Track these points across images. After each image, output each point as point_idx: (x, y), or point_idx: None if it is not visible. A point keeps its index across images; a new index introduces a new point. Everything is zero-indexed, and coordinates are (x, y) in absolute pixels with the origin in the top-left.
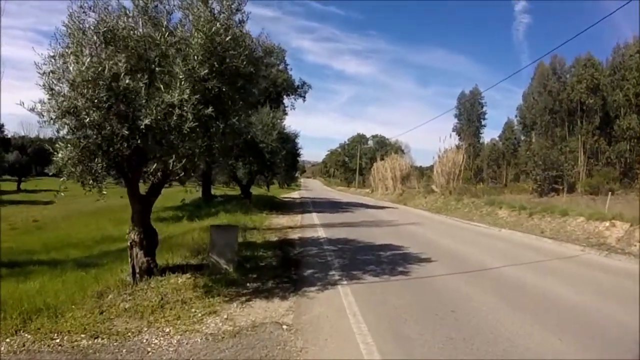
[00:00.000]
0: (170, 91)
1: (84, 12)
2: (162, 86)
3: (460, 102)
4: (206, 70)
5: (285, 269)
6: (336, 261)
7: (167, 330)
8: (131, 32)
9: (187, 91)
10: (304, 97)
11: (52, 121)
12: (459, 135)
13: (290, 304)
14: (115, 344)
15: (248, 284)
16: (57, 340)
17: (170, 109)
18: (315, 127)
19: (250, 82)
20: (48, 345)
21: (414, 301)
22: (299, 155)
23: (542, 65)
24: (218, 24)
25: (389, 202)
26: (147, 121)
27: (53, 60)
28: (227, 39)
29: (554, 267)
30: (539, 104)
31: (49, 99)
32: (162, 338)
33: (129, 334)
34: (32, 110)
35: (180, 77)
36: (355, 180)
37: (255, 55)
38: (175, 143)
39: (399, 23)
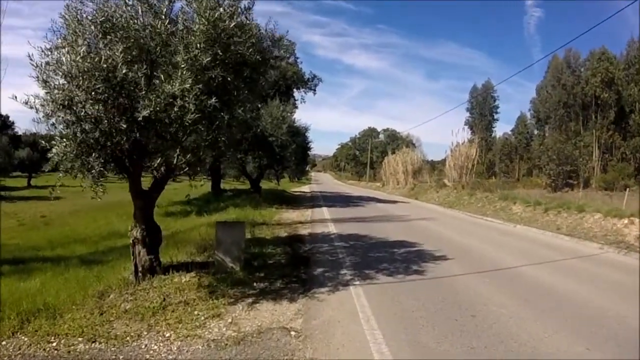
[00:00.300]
0: (172, 81)
1: (80, 1)
2: (162, 76)
3: (473, 96)
4: (209, 58)
5: (295, 268)
6: (348, 259)
7: (168, 335)
8: (130, 21)
9: (189, 80)
10: (315, 90)
11: (47, 116)
12: (471, 129)
13: (299, 307)
14: (112, 349)
15: (255, 284)
16: (54, 344)
17: (171, 100)
18: (326, 121)
19: (257, 72)
20: (44, 350)
21: (430, 304)
22: (309, 148)
23: (556, 58)
24: (222, 9)
25: (401, 197)
26: (145, 113)
27: (49, 53)
28: (232, 25)
29: (574, 266)
30: (553, 98)
31: (46, 93)
32: (161, 344)
33: (128, 338)
34: (25, 103)
35: (182, 66)
36: (366, 174)
37: (263, 44)
38: (178, 136)
39: (409, 17)
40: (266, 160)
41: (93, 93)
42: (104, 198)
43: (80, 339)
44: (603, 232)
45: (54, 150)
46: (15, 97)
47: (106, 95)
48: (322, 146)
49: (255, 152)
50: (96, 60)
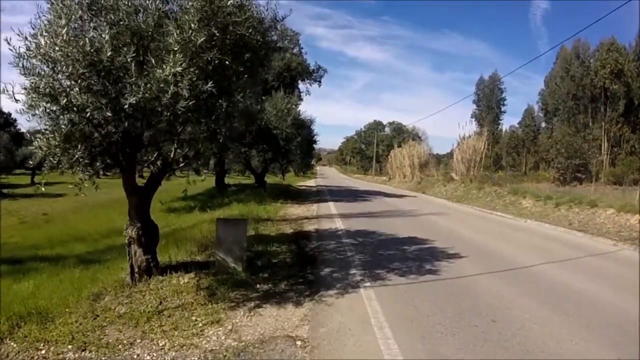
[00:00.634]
0: (163, 65)
1: None
2: (153, 60)
3: (480, 88)
4: (203, 38)
5: (301, 267)
6: (357, 257)
7: (162, 343)
8: (120, 2)
9: (183, 64)
10: (320, 81)
11: (31, 107)
12: (477, 122)
13: (305, 312)
14: (103, 358)
15: (258, 286)
16: (43, 352)
17: (162, 86)
18: (331, 114)
19: (258, 55)
20: (32, 357)
21: (448, 308)
22: (314, 142)
23: (565, 49)
24: None
25: (408, 191)
26: (132, 100)
27: (30, 39)
28: (229, 2)
29: (592, 265)
30: (562, 90)
31: (31, 83)
32: (155, 354)
33: (120, 346)
34: (4, 92)
35: (175, 48)
36: (372, 168)
37: (264, 25)
38: (173, 126)
39: (413, 8)
40: (271, 153)
41: (79, 80)
42: (106, 195)
43: (70, 346)
44: (616, 228)
45: (35, 143)
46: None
47: (91, 81)
48: (327, 140)
49: (259, 145)
50: (81, 44)
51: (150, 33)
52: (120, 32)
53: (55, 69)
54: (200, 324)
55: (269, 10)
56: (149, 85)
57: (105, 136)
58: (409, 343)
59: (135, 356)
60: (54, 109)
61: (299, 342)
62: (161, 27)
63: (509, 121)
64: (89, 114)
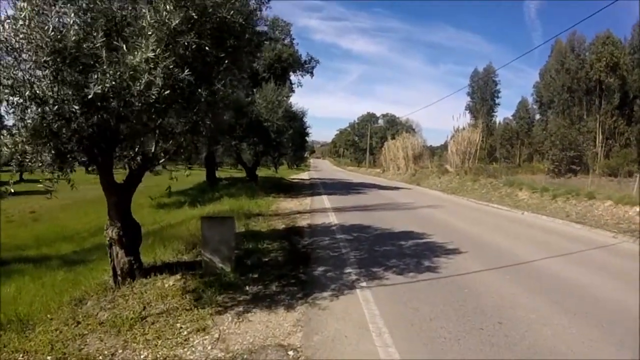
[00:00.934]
0: (135, 51)
1: None
2: (124, 46)
3: (474, 80)
4: (178, 20)
5: (293, 266)
6: (352, 254)
7: (144, 355)
8: None
9: (155, 49)
10: (312, 72)
11: None
12: (472, 114)
13: (298, 316)
14: None
15: (247, 288)
16: None
17: (132, 74)
18: (324, 107)
19: (242, 40)
20: None
21: (450, 309)
22: (307, 134)
23: (560, 42)
24: None
25: (402, 183)
26: (97, 89)
27: None
28: None
29: (594, 258)
30: (557, 82)
31: None
32: None
33: (100, 357)
34: None
35: (149, 33)
36: (366, 160)
37: (248, 7)
38: (150, 118)
39: (407, 1)
40: (262, 146)
41: (43, 69)
42: (96, 191)
43: (49, 357)
44: (615, 220)
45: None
46: None
47: (55, 69)
48: (320, 133)
49: (250, 138)
50: (45, 28)
51: (122, 16)
52: (93, 17)
53: (18, 57)
54: (185, 332)
55: None
56: (118, 74)
57: (76, 131)
58: (411, 350)
59: None
60: (18, 101)
61: (291, 352)
62: (135, 9)
63: (503, 114)
64: (57, 106)
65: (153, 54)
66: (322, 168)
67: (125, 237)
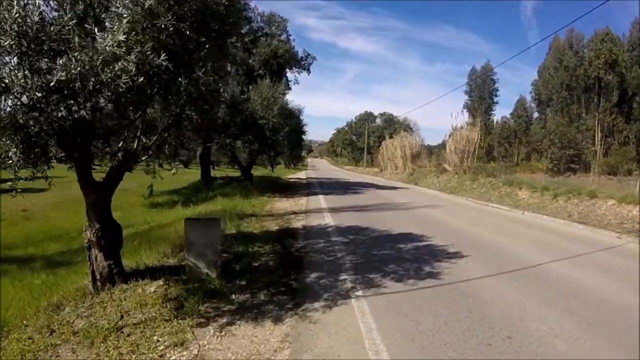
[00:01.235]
0: (107, 35)
1: None
2: (96, 29)
3: (472, 79)
4: (152, 1)
5: (284, 272)
6: (347, 259)
7: None
8: None
9: (127, 31)
10: (309, 69)
11: None
12: (470, 113)
13: (286, 330)
14: None
15: (233, 296)
16: None
17: (101, 58)
18: (322, 106)
19: (226, 24)
20: None
21: (454, 321)
22: (303, 132)
23: (558, 40)
24: None
25: (400, 182)
26: (61, 75)
27: None
28: None
29: (601, 261)
30: (555, 80)
31: None
32: None
33: None
34: None
35: (125, 15)
36: (364, 159)
37: None
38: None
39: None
40: (257, 144)
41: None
42: None
43: None
44: (618, 220)
45: None
46: None
47: (19, 54)
48: (318, 132)
49: (245, 136)
50: (10, 10)
51: None
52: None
53: None
54: (161, 347)
55: None
56: (87, 59)
57: (47, 122)
58: None
59: None
60: None
61: None
62: None
63: (501, 112)
64: (23, 95)
65: (124, 37)
66: (319, 167)
67: (104, 239)
